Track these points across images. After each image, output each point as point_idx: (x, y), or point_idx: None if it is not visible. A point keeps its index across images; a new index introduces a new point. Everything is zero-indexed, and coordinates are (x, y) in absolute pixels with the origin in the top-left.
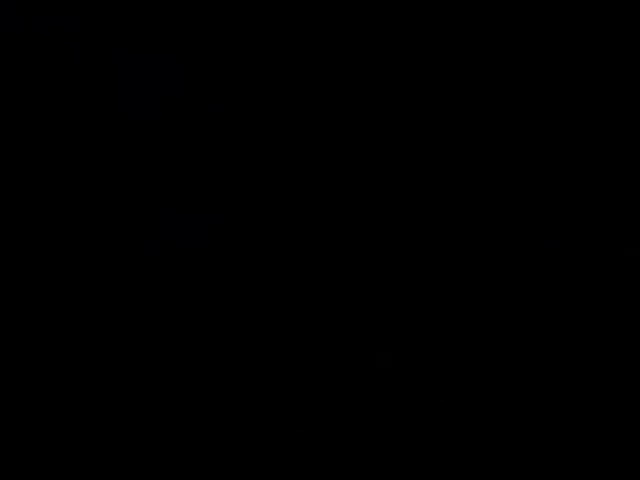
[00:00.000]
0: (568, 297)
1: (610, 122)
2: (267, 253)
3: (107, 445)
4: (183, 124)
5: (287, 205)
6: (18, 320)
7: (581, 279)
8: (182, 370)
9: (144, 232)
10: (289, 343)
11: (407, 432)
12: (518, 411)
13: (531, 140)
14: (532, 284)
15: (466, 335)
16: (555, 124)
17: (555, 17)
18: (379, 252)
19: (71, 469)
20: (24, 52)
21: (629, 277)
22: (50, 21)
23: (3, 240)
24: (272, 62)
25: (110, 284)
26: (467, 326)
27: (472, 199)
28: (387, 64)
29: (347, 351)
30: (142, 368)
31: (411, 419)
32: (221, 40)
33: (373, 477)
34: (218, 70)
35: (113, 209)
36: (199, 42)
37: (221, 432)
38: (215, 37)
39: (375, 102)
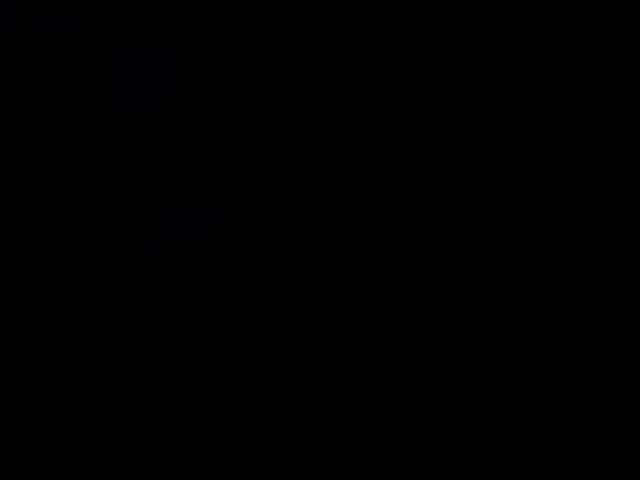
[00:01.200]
0: (568, 297)
1: (610, 122)
2: (267, 253)
3: (107, 445)
4: (183, 124)
5: (287, 205)
6: (18, 320)
7: (581, 279)
8: (182, 370)
9: (144, 232)
10: (289, 343)
11: (407, 432)
12: (518, 411)
13: (531, 140)
14: (532, 284)
15: (466, 335)
16: (555, 124)
17: (555, 17)
18: (379, 252)
19: (71, 469)
20: (24, 52)
21: (629, 277)
22: (50, 21)
23: (3, 240)
24: (272, 62)
25: (110, 284)
26: (467, 326)
27: (472, 199)
28: (387, 64)
29: (347, 351)
30: (142, 368)
31: (411, 419)
32: (221, 40)
33: (373, 477)
34: (218, 70)
35: (113, 209)
36: (199, 42)
37: (221, 432)
38: (215, 37)
39: (375, 102)
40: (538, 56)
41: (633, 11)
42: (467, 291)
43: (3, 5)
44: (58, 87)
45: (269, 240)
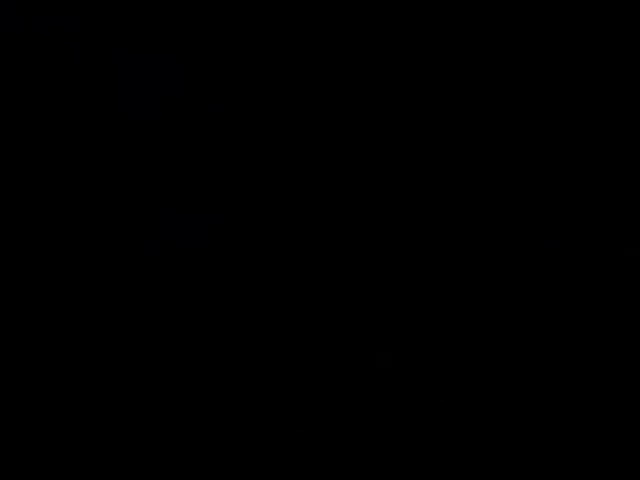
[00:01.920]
0: (568, 297)
1: (610, 122)
2: (267, 253)
3: (107, 445)
4: (183, 124)
5: (287, 205)
6: (18, 320)
7: (581, 279)
8: (182, 370)
9: (144, 232)
10: (289, 343)
11: (407, 432)
12: (518, 411)
13: (531, 140)
14: (532, 284)
15: (466, 335)
16: (555, 124)
17: (555, 17)
18: (379, 252)
19: (71, 469)
20: (24, 52)
21: (629, 277)
22: (50, 21)
23: (3, 240)
24: (272, 62)
25: (110, 284)
26: (467, 326)
27: (472, 199)
28: (387, 64)
29: (347, 351)
30: (142, 368)
31: (411, 419)
32: (221, 40)
33: (373, 477)
34: (218, 70)
35: (113, 209)
36: (199, 42)
37: (221, 432)
38: (215, 37)
39: (375, 102)
40: (538, 56)
41: (633, 11)
42: (467, 291)
43: (3, 5)
44: (58, 87)
45: (269, 240)
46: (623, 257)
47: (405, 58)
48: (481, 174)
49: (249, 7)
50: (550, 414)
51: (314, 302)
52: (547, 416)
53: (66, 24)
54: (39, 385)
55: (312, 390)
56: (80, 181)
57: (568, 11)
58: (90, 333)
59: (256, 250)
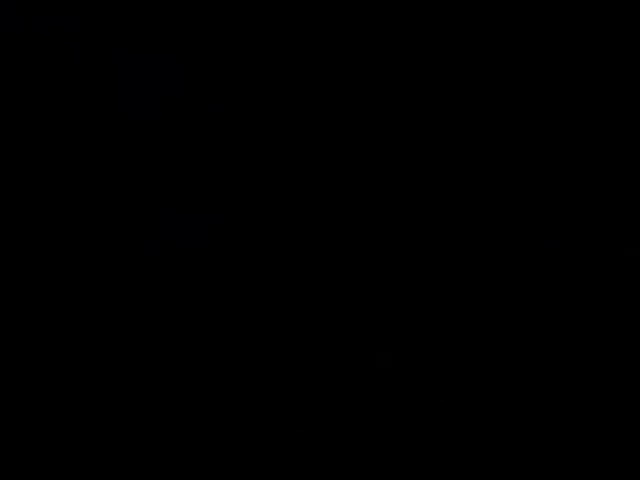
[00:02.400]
0: (568, 297)
1: (610, 122)
2: (267, 253)
3: (107, 445)
4: (183, 124)
5: (287, 205)
6: (18, 320)
7: (581, 279)
8: (182, 370)
9: (144, 232)
10: (289, 343)
11: (407, 432)
12: (518, 411)
13: (531, 140)
14: (532, 284)
15: (466, 335)
16: (555, 124)
17: (555, 17)
18: (379, 252)
19: (71, 469)
20: (24, 52)
21: (629, 277)
22: (50, 21)
23: (3, 240)
24: (272, 62)
25: (110, 284)
26: (467, 326)
27: (472, 199)
28: (387, 64)
29: (347, 351)
30: (142, 368)
31: (411, 419)
32: (221, 40)
33: (373, 477)
34: (218, 70)
35: (113, 209)
36: (199, 42)
37: (221, 432)
38: (215, 37)
39: (375, 102)
40: (538, 56)
41: (633, 11)
42: (467, 291)
43: (3, 5)
44: (58, 87)
45: (269, 240)
46: (623, 257)
47: (405, 58)
48: (481, 174)
49: (249, 7)
50: (550, 414)
51: (314, 302)
52: (547, 416)
53: (66, 24)
54: (39, 385)
55: (312, 390)
56: (80, 181)
57: (568, 11)
58: (90, 333)
59: (256, 250)
